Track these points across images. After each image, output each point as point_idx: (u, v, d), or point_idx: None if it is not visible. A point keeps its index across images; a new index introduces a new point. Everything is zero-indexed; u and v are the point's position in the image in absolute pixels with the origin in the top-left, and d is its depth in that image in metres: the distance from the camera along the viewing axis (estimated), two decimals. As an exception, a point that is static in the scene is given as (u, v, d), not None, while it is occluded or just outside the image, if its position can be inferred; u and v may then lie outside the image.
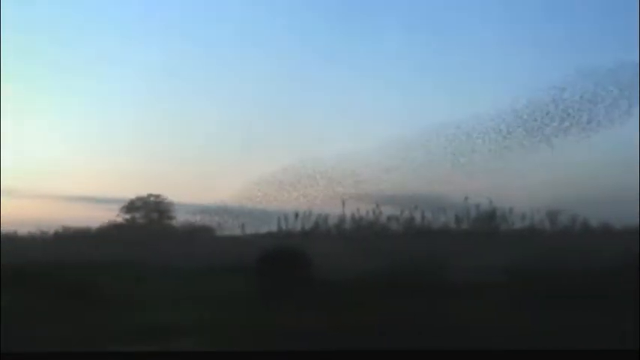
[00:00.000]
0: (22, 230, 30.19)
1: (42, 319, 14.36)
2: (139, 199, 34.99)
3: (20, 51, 29.72)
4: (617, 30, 32.83)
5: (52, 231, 32.50)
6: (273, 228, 28.11)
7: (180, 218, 34.84)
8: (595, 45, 32.56)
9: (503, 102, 24.89)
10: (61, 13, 35.22)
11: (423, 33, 34.06)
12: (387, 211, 27.03)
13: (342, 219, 26.96)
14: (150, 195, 34.95)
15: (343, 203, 26.23)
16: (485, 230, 26.62)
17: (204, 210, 33.64)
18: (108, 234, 32.60)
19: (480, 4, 32.60)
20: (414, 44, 33.85)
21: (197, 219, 33.88)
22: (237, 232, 29.41)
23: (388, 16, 33.14)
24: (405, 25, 33.31)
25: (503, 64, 33.28)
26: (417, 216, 27.18)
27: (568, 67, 32.91)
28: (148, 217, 35.26)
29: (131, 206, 35.01)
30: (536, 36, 32.29)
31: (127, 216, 35.06)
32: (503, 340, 12.34)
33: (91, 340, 12.95)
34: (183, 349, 11.97)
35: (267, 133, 33.19)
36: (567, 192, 25.44)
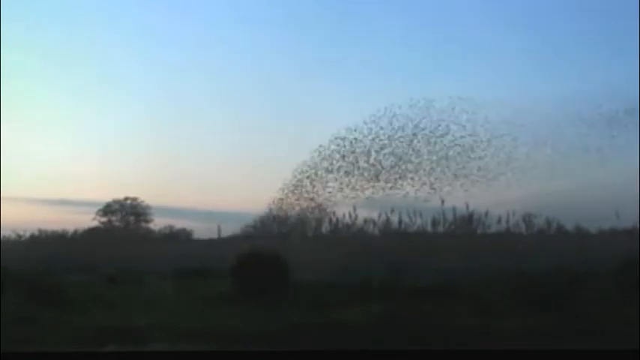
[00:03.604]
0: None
1: (17, 321, 14.30)
2: (116, 202, 34.93)
3: None
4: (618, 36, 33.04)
5: (28, 234, 32.45)
6: (250, 230, 28.11)
7: (157, 221, 34.89)
8: (593, 54, 32.72)
9: (480, 108, 24.95)
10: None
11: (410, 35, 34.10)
12: (363, 214, 27.13)
13: (318, 221, 27.00)
14: (127, 198, 34.90)
15: (319, 205, 26.25)
16: (461, 233, 26.79)
17: (180, 213, 33.69)
18: (84, 237, 32.51)
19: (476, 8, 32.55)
20: (394, 48, 33.88)
21: (174, 222, 33.95)
22: (214, 234, 29.43)
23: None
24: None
25: (487, 65, 33.33)
26: (394, 219, 27.31)
27: (558, 73, 33.31)
28: (125, 220, 35.18)
29: (107, 209, 34.93)
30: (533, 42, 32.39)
31: (104, 219, 34.98)
32: (484, 340, 12.47)
33: (65, 341, 12.93)
34: (183, 350, 11.91)
35: (245, 134, 33.17)
36: (543, 196, 25.63)
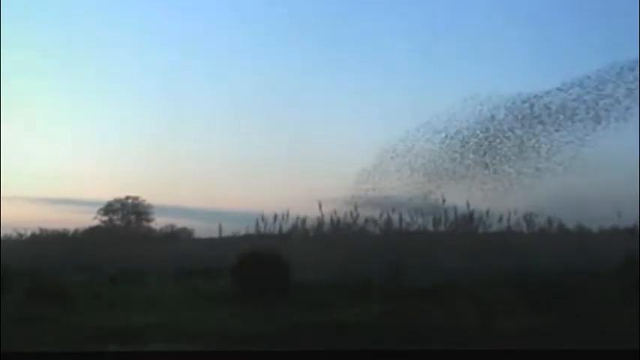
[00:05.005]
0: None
1: (17, 321, 14.31)
2: (117, 201, 34.89)
3: None
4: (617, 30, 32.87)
5: (28, 233, 32.49)
6: (251, 230, 28.20)
7: (158, 220, 34.89)
8: (591, 46, 32.59)
9: (481, 106, 24.87)
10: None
11: (409, 34, 34.01)
12: (364, 213, 27.10)
13: (320, 221, 27.03)
14: (128, 197, 34.87)
15: (320, 205, 26.27)
16: (462, 232, 26.79)
17: (181, 212, 33.70)
18: (85, 236, 32.53)
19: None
20: (392, 48, 33.83)
21: (175, 221, 33.97)
22: (215, 234, 29.48)
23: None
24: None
25: (486, 63, 33.27)
26: (395, 218, 27.31)
27: (559, 69, 33.27)
28: (126, 220, 35.15)
29: (109, 208, 34.89)
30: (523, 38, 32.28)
31: (105, 218, 34.96)
32: (484, 340, 12.48)
33: (65, 341, 12.94)
34: (183, 350, 11.92)
35: (245, 134, 33.16)
36: (544, 195, 25.59)
